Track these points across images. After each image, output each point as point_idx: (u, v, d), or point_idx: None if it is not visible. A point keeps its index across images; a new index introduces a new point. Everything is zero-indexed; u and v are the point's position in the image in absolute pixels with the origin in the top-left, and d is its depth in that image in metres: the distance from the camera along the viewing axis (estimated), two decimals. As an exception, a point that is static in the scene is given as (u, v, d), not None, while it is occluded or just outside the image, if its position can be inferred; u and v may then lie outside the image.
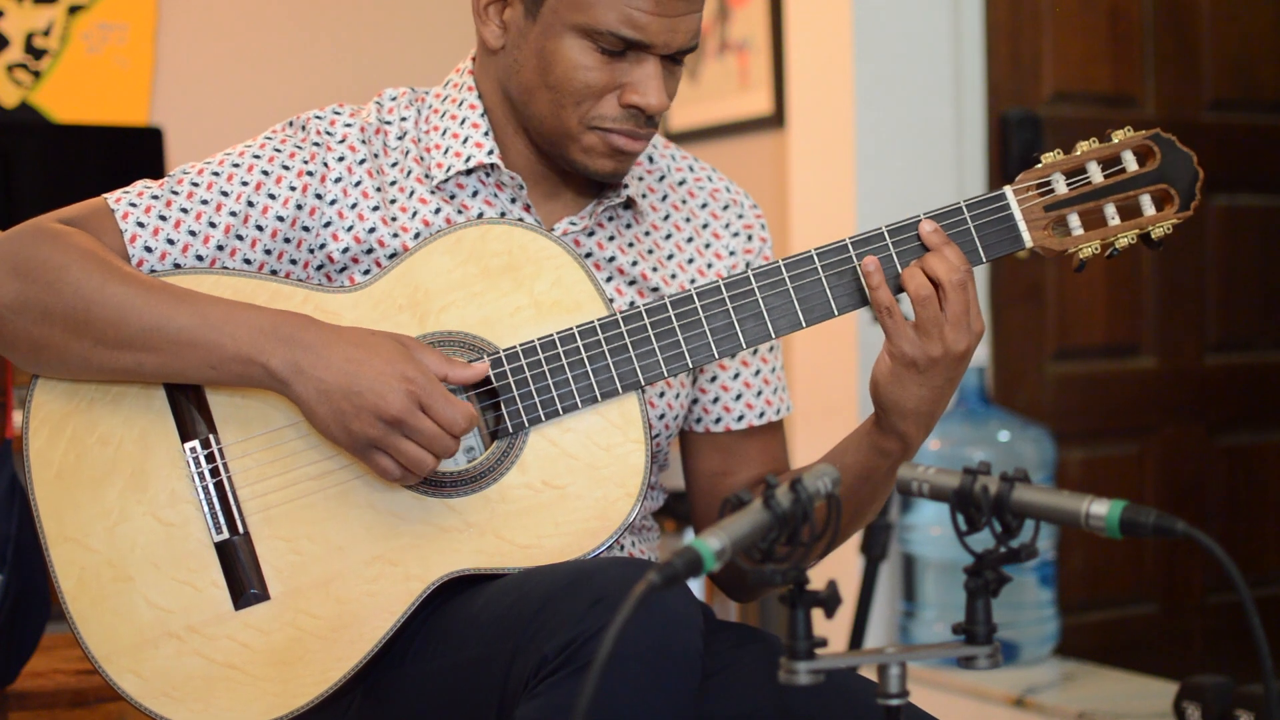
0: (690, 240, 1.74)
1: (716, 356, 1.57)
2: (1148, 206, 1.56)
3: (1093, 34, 3.57)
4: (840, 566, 3.13)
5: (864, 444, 1.61)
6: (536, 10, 1.57)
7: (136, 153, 3.47)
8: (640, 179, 1.73)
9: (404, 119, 1.69)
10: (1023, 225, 1.56)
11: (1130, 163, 1.56)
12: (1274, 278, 3.82)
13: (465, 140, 1.65)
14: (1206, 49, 3.72)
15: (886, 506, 2.91)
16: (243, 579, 1.55)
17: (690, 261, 1.73)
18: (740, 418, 1.74)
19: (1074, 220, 1.56)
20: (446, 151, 1.65)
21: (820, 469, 1.18)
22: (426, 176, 1.66)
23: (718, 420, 1.74)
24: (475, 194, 1.66)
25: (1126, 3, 3.61)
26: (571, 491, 1.55)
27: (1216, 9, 3.73)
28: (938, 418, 1.58)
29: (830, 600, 1.14)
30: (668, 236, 1.73)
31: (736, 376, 1.74)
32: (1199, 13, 3.71)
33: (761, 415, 1.75)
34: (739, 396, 1.74)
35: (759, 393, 1.74)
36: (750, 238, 1.76)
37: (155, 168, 3.44)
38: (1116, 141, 1.56)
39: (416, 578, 1.54)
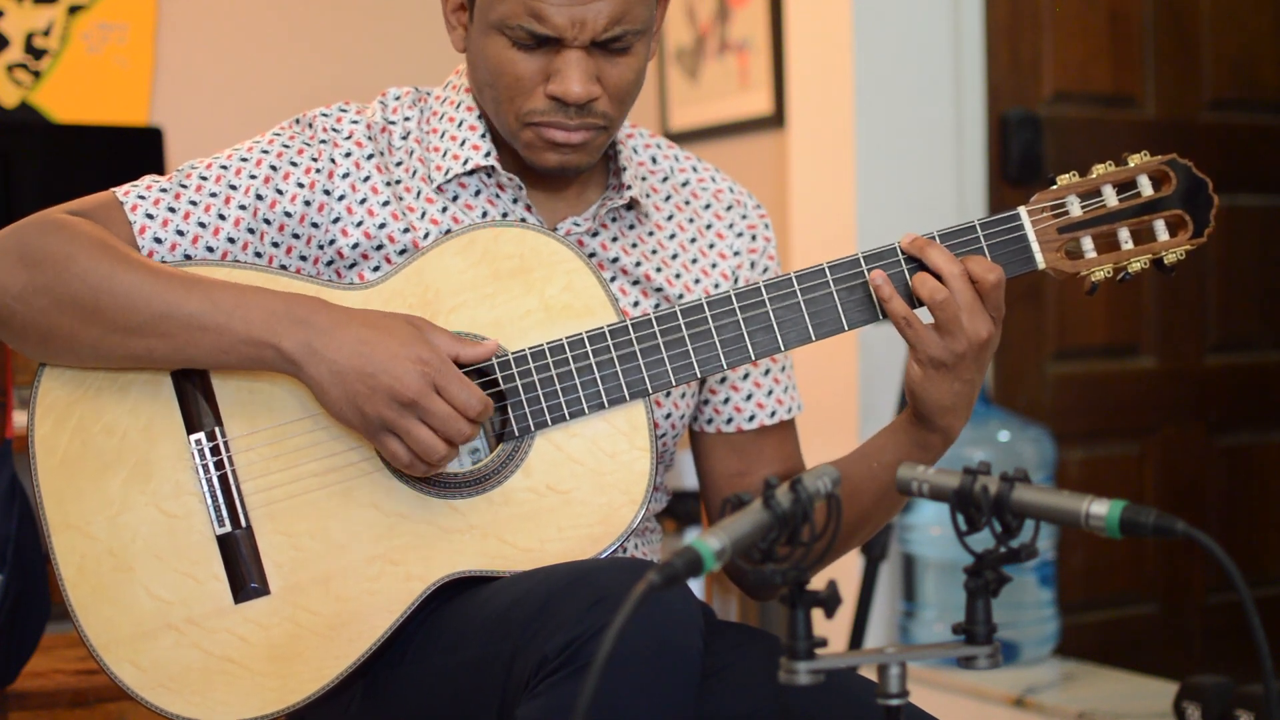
0: (694, 241, 1.74)
1: (725, 367, 1.57)
2: (1161, 231, 1.56)
3: (1093, 34, 3.57)
4: (840, 566, 3.12)
5: (904, 440, 1.62)
6: (472, 10, 1.61)
7: (136, 153, 3.47)
8: (643, 179, 1.73)
9: (407, 119, 1.69)
10: (1036, 246, 1.56)
11: (1145, 187, 1.56)
12: (1274, 278, 3.82)
13: (463, 143, 1.65)
14: (1206, 49, 3.72)
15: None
16: (243, 573, 1.55)
17: (694, 262, 1.73)
18: (752, 417, 1.74)
19: (1087, 243, 1.56)
20: (445, 154, 1.66)
21: (820, 469, 1.19)
22: (430, 177, 1.66)
23: (729, 420, 1.74)
24: (478, 194, 1.66)
25: (1126, 3, 3.61)
26: (575, 497, 1.55)
27: (1216, 9, 3.73)
28: (974, 401, 1.59)
29: (830, 600, 1.14)
30: (672, 237, 1.73)
31: (746, 377, 1.74)
32: (1199, 13, 3.71)
33: (773, 414, 1.75)
34: (749, 396, 1.74)
35: (769, 392, 1.75)
36: (754, 238, 1.77)
37: (155, 168, 3.44)
38: (1132, 165, 1.56)
39: (417, 578, 1.54)
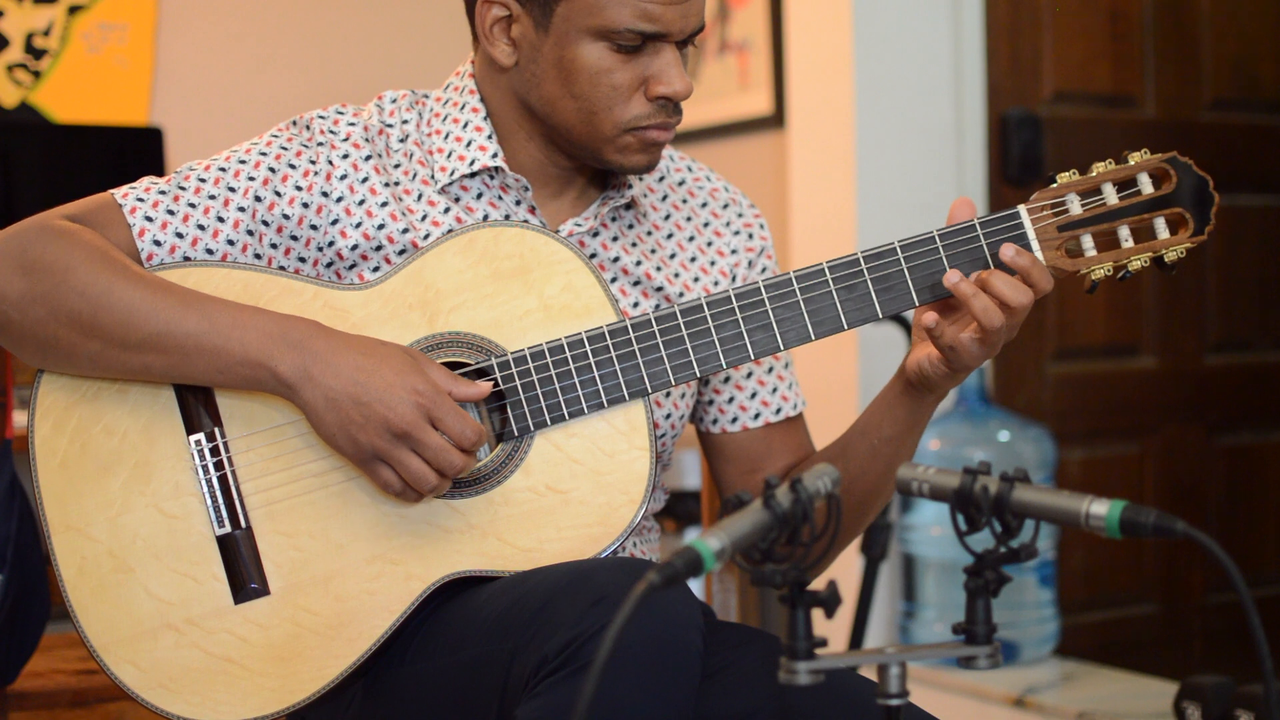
0: (692, 239, 1.74)
1: (724, 366, 1.57)
2: (1162, 230, 1.56)
3: (1093, 34, 3.57)
4: (840, 566, 3.13)
5: (901, 414, 1.63)
6: (547, 22, 1.57)
7: (136, 153, 3.47)
8: (641, 178, 1.73)
9: (405, 122, 1.69)
10: (1036, 244, 1.56)
11: (1146, 185, 1.56)
12: (1274, 278, 3.82)
13: (469, 144, 1.65)
14: (1206, 49, 3.72)
15: (886, 507, 2.92)
16: (243, 573, 1.55)
17: (693, 260, 1.73)
18: (757, 415, 1.75)
19: (1087, 241, 1.56)
20: (450, 155, 1.65)
21: (820, 469, 1.19)
22: (432, 179, 1.66)
23: (734, 420, 1.75)
24: (480, 196, 1.66)
25: (1126, 3, 3.61)
26: (575, 496, 1.55)
27: (1216, 9, 3.73)
28: None
29: (830, 600, 1.14)
30: (669, 236, 1.73)
31: (750, 376, 1.75)
32: (1199, 13, 3.71)
33: (779, 411, 1.76)
34: (754, 395, 1.75)
35: (774, 390, 1.76)
36: (751, 236, 1.77)
37: (155, 168, 3.43)
38: (1133, 163, 1.56)
39: (417, 577, 1.54)
